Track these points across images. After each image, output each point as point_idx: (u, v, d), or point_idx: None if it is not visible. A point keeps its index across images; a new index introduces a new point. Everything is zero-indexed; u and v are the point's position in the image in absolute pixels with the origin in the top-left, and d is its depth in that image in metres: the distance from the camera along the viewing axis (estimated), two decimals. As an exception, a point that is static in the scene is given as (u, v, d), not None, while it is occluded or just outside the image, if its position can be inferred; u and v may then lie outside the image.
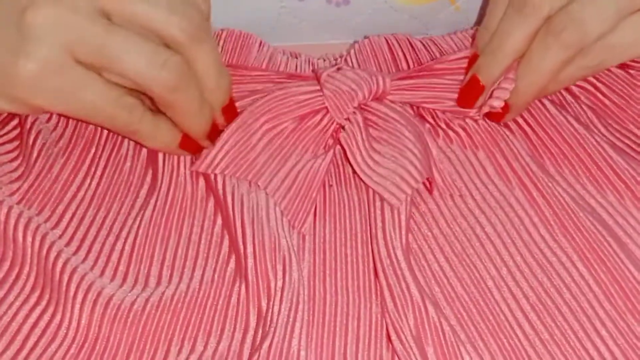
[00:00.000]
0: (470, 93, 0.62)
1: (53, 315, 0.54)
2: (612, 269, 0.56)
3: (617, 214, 0.59)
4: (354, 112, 0.61)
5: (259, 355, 0.52)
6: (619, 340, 0.54)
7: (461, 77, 0.63)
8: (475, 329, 0.55)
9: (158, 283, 0.56)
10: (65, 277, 0.55)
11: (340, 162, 0.62)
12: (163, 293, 0.55)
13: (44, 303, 0.54)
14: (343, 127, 0.61)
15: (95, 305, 0.54)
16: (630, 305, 0.55)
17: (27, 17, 0.53)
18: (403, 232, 0.57)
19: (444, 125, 0.63)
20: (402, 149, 0.60)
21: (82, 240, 0.58)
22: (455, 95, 0.63)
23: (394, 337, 0.54)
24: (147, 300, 0.55)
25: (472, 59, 0.63)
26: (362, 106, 0.62)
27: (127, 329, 0.54)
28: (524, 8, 0.59)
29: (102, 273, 0.56)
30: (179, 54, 0.56)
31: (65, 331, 0.54)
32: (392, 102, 0.63)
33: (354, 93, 0.61)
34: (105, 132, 0.62)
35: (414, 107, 0.64)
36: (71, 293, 0.54)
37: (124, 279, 0.56)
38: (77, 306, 0.54)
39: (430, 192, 0.60)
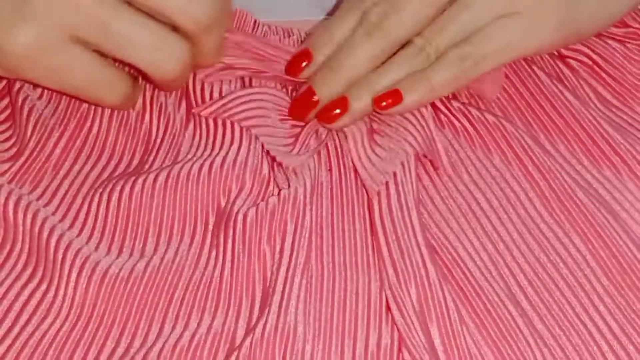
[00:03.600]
0: (303, 106, 0.60)
1: (46, 292, 0.54)
2: (610, 244, 0.56)
3: (614, 189, 0.59)
4: None
5: (254, 333, 0.52)
6: (617, 316, 0.54)
7: None
8: (472, 305, 0.55)
9: (155, 251, 0.56)
10: (60, 252, 0.54)
11: (339, 144, 0.62)
12: (162, 258, 0.55)
13: (36, 280, 0.54)
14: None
15: (91, 279, 0.54)
16: (629, 280, 0.55)
17: None
18: (412, 209, 0.57)
19: (438, 103, 0.62)
20: (392, 127, 0.60)
21: (76, 216, 0.57)
22: None
23: (395, 309, 0.54)
24: (145, 267, 0.55)
25: (303, 55, 0.61)
26: None
27: (124, 300, 0.54)
28: (373, 31, 0.59)
29: (98, 246, 0.56)
30: (186, 41, 0.57)
31: (58, 307, 0.53)
32: None
33: None
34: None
35: None
36: (66, 268, 0.54)
37: (120, 250, 0.56)
38: (72, 281, 0.54)
39: (435, 169, 0.60)
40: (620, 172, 0.60)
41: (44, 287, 0.54)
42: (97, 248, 0.56)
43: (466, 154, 0.60)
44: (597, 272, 0.55)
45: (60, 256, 0.54)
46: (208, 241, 0.57)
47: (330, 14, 0.68)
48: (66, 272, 0.54)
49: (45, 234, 0.55)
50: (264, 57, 0.63)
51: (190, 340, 0.52)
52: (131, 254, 0.56)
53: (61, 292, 0.53)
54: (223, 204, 0.58)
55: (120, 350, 0.52)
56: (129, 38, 0.56)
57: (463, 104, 0.62)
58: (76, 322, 0.53)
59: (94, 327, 0.53)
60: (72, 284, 0.53)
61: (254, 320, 0.53)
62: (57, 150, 0.60)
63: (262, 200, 0.57)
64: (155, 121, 0.62)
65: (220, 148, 0.59)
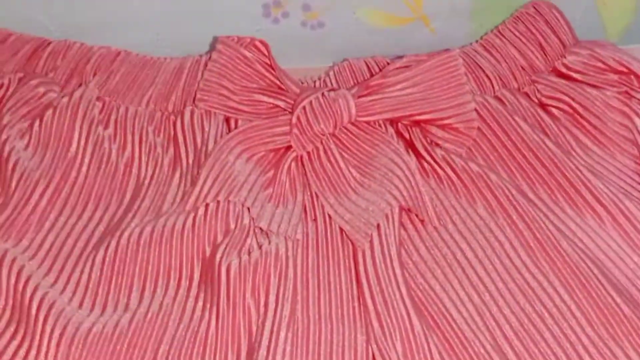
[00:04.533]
0: None
1: (28, 351, 0.53)
2: (594, 294, 0.56)
3: (597, 237, 0.59)
4: (329, 137, 0.61)
5: None
6: None
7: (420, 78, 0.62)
8: (458, 357, 0.54)
9: (139, 304, 0.56)
10: (42, 314, 0.54)
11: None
12: (146, 311, 0.55)
13: (19, 337, 0.54)
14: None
15: (75, 337, 0.54)
16: (612, 330, 0.55)
17: None
18: (395, 261, 0.57)
19: (423, 152, 0.62)
20: (377, 179, 0.60)
21: (61, 270, 0.57)
22: (425, 100, 0.61)
23: None
24: (130, 322, 0.55)
25: None
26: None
27: (108, 357, 0.53)
28: None
29: (82, 303, 0.56)
30: None
31: None
32: (367, 123, 0.62)
33: (321, 131, 0.61)
34: (88, 155, 0.62)
35: (393, 124, 0.64)
36: (48, 327, 0.53)
37: (104, 306, 0.56)
38: (55, 339, 0.53)
39: (421, 222, 0.60)
40: (604, 221, 0.60)
41: (26, 345, 0.53)
42: (81, 305, 0.55)
43: (450, 203, 0.60)
44: (581, 322, 0.55)
45: (42, 316, 0.54)
46: (193, 294, 0.56)
47: (336, 60, 0.69)
48: (48, 331, 0.53)
49: (28, 293, 0.55)
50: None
51: None
52: (115, 309, 0.55)
53: (43, 350, 0.53)
54: (208, 253, 0.57)
55: None
56: None
57: (447, 152, 0.62)
58: None
59: None
60: (54, 342, 0.53)
61: None
62: (42, 203, 0.59)
63: (244, 249, 0.57)
64: (144, 165, 0.62)
65: (204, 199, 0.59)
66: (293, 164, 0.61)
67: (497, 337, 0.55)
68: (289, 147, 0.61)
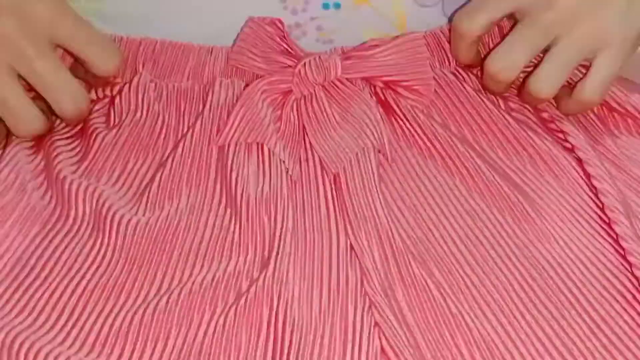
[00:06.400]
0: None
1: (95, 244, 0.69)
2: (522, 223, 0.73)
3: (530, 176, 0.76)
4: (320, 89, 0.77)
5: (257, 281, 0.66)
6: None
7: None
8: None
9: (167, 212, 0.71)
10: (105, 211, 0.70)
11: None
12: (169, 212, 0.70)
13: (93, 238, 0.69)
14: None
15: (127, 230, 0.70)
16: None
17: None
18: (376, 180, 0.72)
19: (395, 107, 0.78)
20: (353, 123, 0.76)
21: (135, 194, 0.72)
22: (394, 66, 0.77)
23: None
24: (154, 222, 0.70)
25: None
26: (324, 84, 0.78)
27: (152, 246, 0.68)
28: None
29: (134, 206, 0.71)
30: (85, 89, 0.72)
31: (110, 257, 0.68)
32: (348, 80, 0.78)
33: (314, 81, 0.77)
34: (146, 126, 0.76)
35: (371, 86, 0.79)
36: (107, 222, 0.69)
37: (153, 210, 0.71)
38: (114, 233, 0.69)
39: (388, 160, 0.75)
40: (538, 165, 0.77)
41: (92, 239, 0.69)
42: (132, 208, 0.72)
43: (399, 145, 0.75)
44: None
45: (108, 215, 0.70)
46: (215, 207, 0.73)
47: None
48: (108, 225, 0.69)
49: (104, 211, 0.70)
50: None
51: (212, 279, 0.67)
52: (144, 213, 0.70)
53: (109, 241, 0.69)
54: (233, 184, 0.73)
55: (153, 291, 0.66)
56: (44, 77, 0.68)
57: (412, 107, 0.79)
58: (123, 266, 0.68)
59: (131, 271, 0.68)
60: (113, 236, 0.69)
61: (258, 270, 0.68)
62: (115, 153, 0.75)
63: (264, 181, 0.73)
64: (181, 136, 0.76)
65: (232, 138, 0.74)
66: (294, 105, 0.77)
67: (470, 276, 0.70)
68: (290, 91, 0.77)
